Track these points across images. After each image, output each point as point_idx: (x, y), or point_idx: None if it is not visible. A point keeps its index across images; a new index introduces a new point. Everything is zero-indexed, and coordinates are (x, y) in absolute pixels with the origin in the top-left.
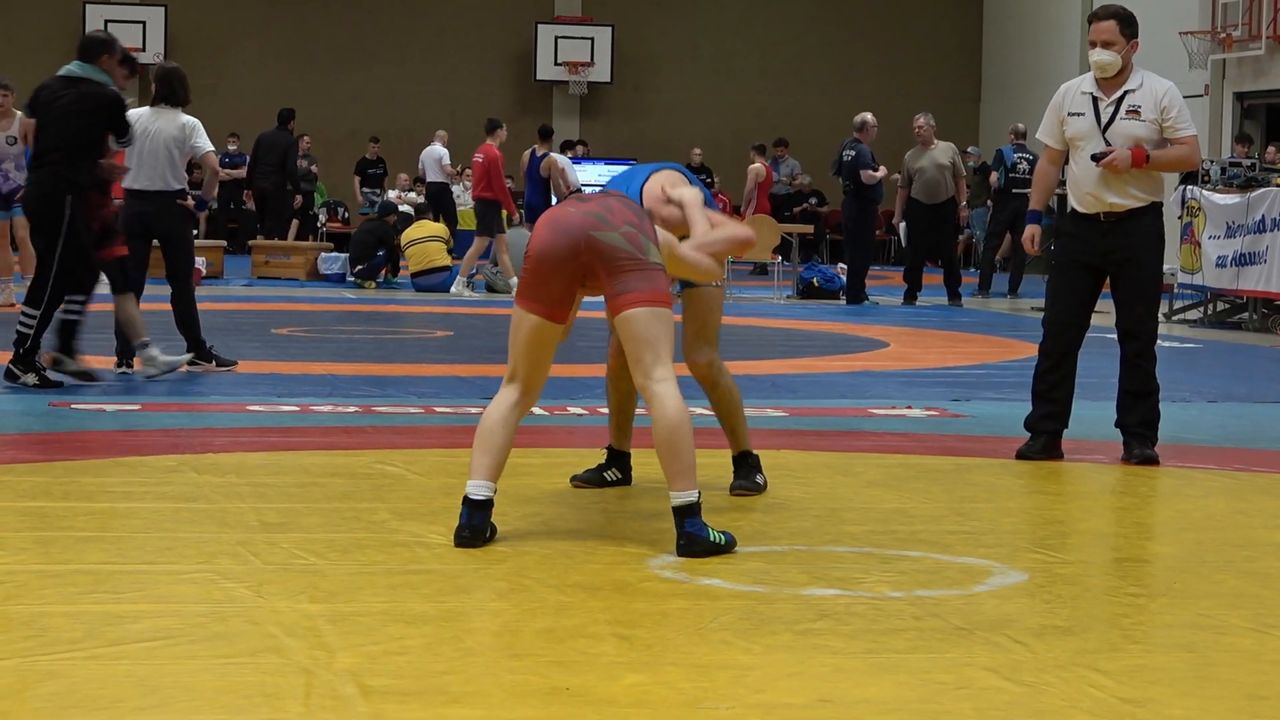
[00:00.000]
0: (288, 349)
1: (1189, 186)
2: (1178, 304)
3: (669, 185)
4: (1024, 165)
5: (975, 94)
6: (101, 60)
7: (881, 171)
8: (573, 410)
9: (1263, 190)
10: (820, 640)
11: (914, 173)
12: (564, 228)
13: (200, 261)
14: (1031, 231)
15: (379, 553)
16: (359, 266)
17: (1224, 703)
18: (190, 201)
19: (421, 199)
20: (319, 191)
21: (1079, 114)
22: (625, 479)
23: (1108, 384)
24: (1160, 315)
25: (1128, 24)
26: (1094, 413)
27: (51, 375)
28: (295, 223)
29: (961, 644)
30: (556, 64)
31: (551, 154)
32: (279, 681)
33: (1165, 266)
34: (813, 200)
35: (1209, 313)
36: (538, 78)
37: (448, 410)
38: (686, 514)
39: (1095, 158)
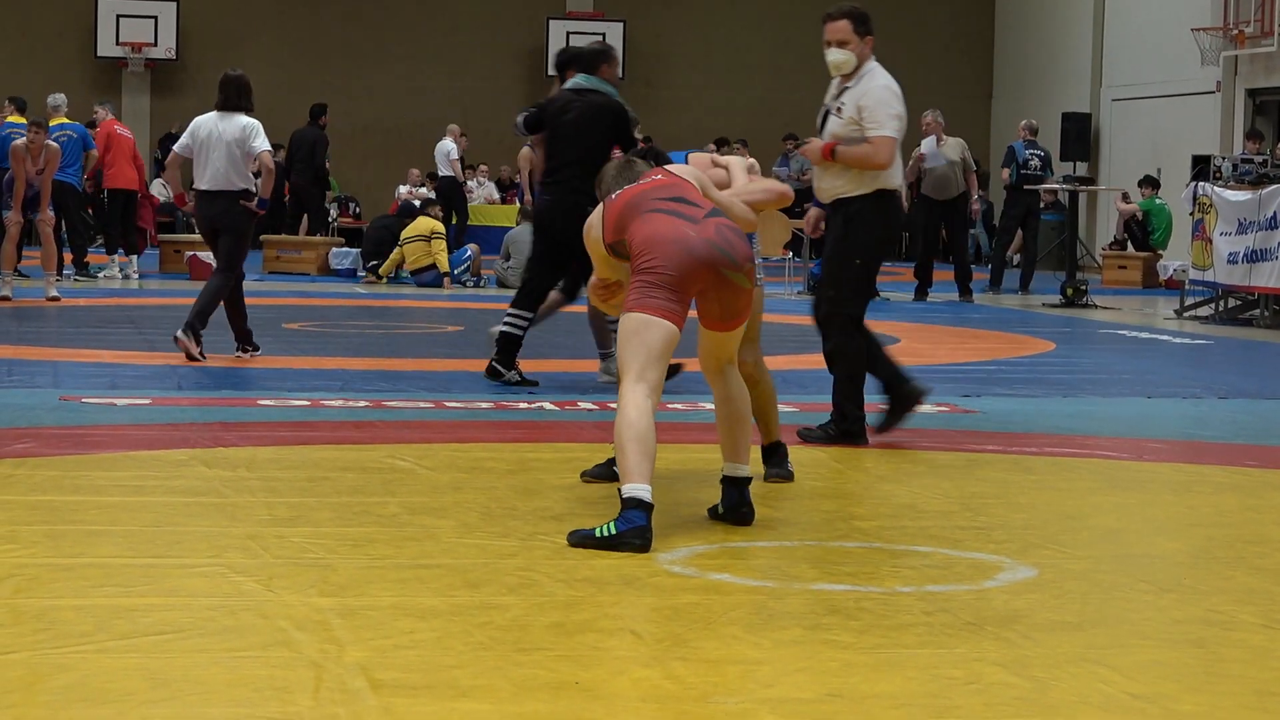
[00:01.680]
0: (299, 344)
1: (1201, 183)
2: (1189, 300)
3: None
4: (1035, 161)
5: (987, 89)
6: (602, 70)
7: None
8: (583, 405)
9: (1274, 187)
10: (830, 635)
11: (925, 169)
12: (699, 255)
13: (210, 256)
14: (815, 215)
15: (389, 547)
16: (372, 262)
17: (1234, 699)
18: (253, 202)
19: (432, 194)
20: (331, 186)
21: (823, 108)
22: None
23: (1120, 380)
24: (1172, 311)
25: (861, 22)
26: (1107, 409)
27: (519, 376)
28: (304, 217)
29: (971, 639)
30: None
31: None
32: (289, 675)
33: (1176, 262)
34: None
35: (1220, 309)
36: (549, 73)
37: (458, 405)
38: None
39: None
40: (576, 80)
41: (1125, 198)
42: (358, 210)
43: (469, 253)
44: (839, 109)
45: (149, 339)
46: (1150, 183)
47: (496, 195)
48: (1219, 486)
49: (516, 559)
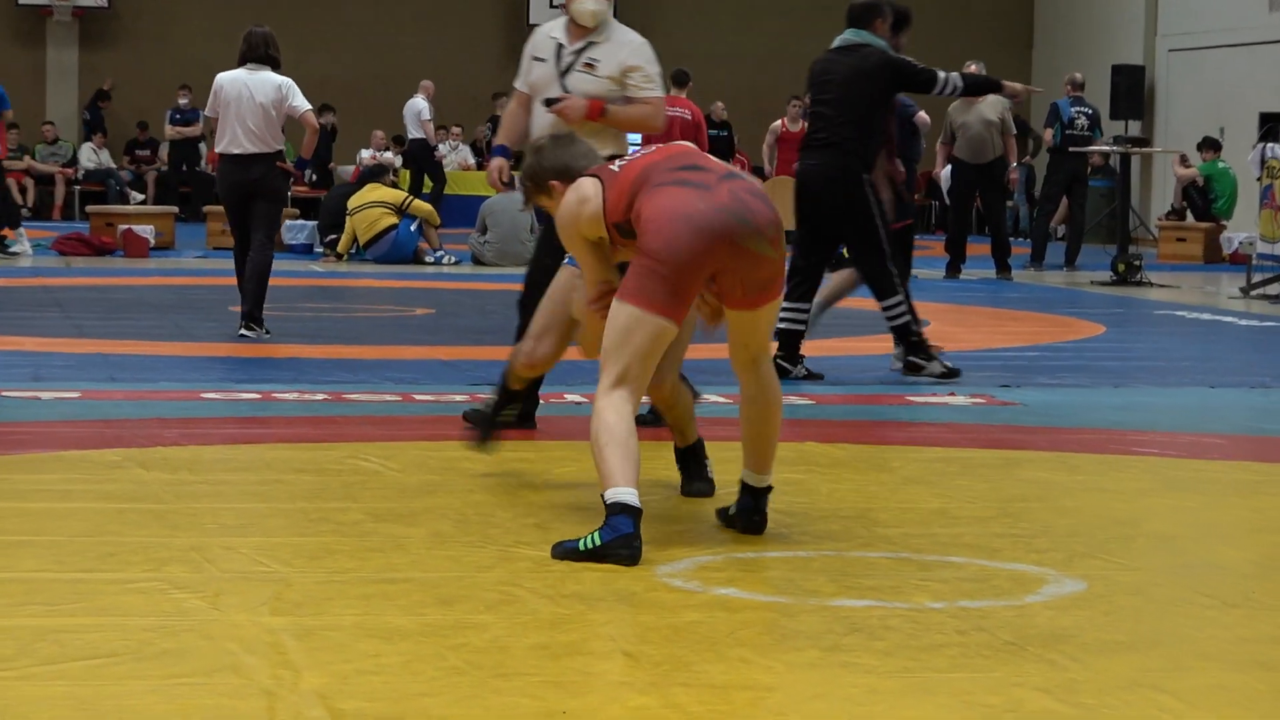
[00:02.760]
0: None
1: (1270, 144)
2: (1256, 277)
3: None
4: (1082, 121)
5: (1027, 38)
6: (875, 25)
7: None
8: (570, 398)
9: None
10: (851, 657)
11: (958, 128)
12: (708, 229)
13: (148, 230)
14: (498, 164)
15: (351, 559)
16: (331, 237)
17: None
18: (289, 164)
19: (398, 159)
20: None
21: (541, 59)
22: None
23: (1178, 368)
24: (1237, 289)
25: None
26: (1162, 399)
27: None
28: None
29: (1011, 662)
30: (552, 6)
31: None
32: (237, 705)
33: (1242, 234)
34: None
35: None
36: (531, 21)
37: (429, 398)
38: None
39: (548, 103)
40: (845, 35)
41: (1184, 161)
42: (314, 177)
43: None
44: (588, 64)
45: (78, 324)
46: (1212, 144)
47: (472, 160)
48: None
49: (495, 572)
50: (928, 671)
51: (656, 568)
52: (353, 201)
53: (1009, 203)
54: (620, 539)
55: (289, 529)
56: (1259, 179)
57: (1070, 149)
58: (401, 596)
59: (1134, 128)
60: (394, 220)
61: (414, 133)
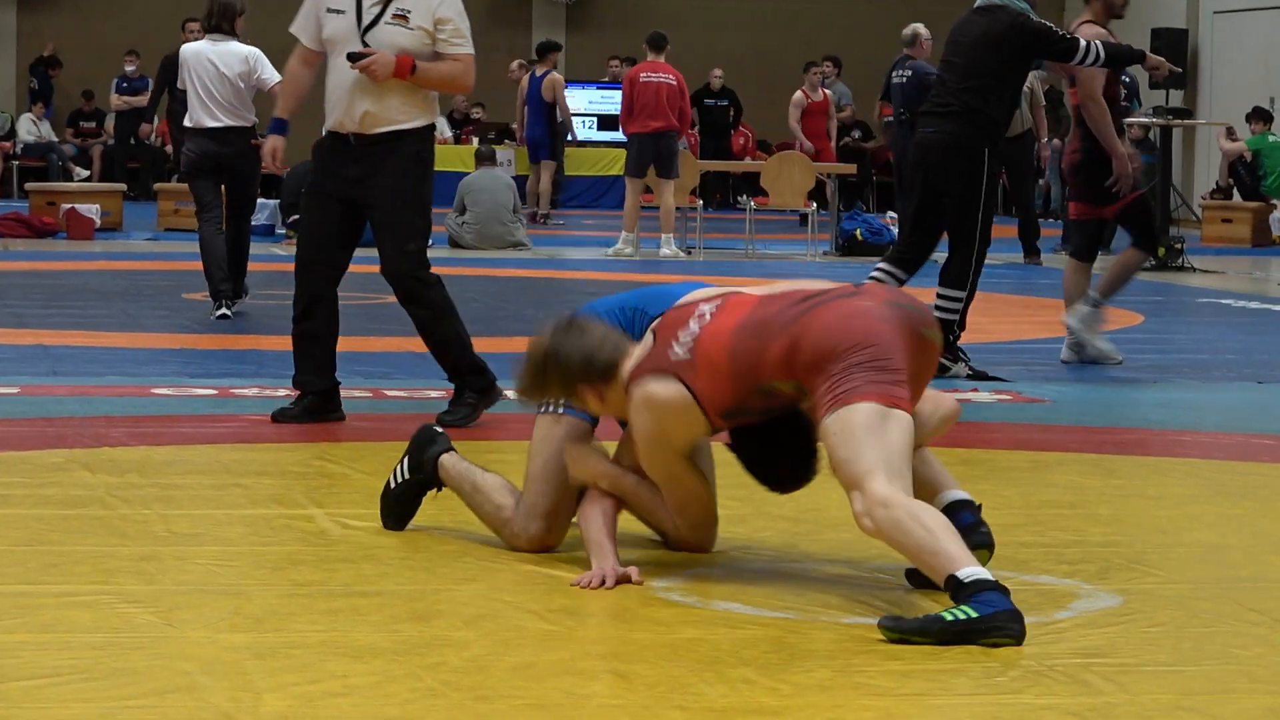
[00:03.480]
0: (202, 318)
1: None
2: None
3: None
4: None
5: (1059, 1)
6: None
7: None
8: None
9: None
10: (864, 679)
11: None
12: (897, 322)
13: (93, 209)
14: (273, 144)
15: (317, 570)
16: (293, 217)
17: None
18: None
19: None
20: None
21: (338, 11)
22: None
23: (1223, 361)
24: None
25: None
26: (1206, 396)
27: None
28: None
29: (1038, 684)
30: None
31: (554, 73)
32: None
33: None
34: (855, 134)
35: None
36: None
37: (401, 394)
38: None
39: (352, 57)
40: None
41: (1230, 134)
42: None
43: None
44: (400, 15)
45: (17, 314)
46: (1262, 116)
47: (449, 133)
48: None
49: (476, 585)
50: (947, 695)
51: (652, 581)
52: None
53: (1039, 181)
54: (1004, 613)
55: (248, 537)
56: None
57: None
58: (372, 611)
59: (1175, 98)
60: None
61: None
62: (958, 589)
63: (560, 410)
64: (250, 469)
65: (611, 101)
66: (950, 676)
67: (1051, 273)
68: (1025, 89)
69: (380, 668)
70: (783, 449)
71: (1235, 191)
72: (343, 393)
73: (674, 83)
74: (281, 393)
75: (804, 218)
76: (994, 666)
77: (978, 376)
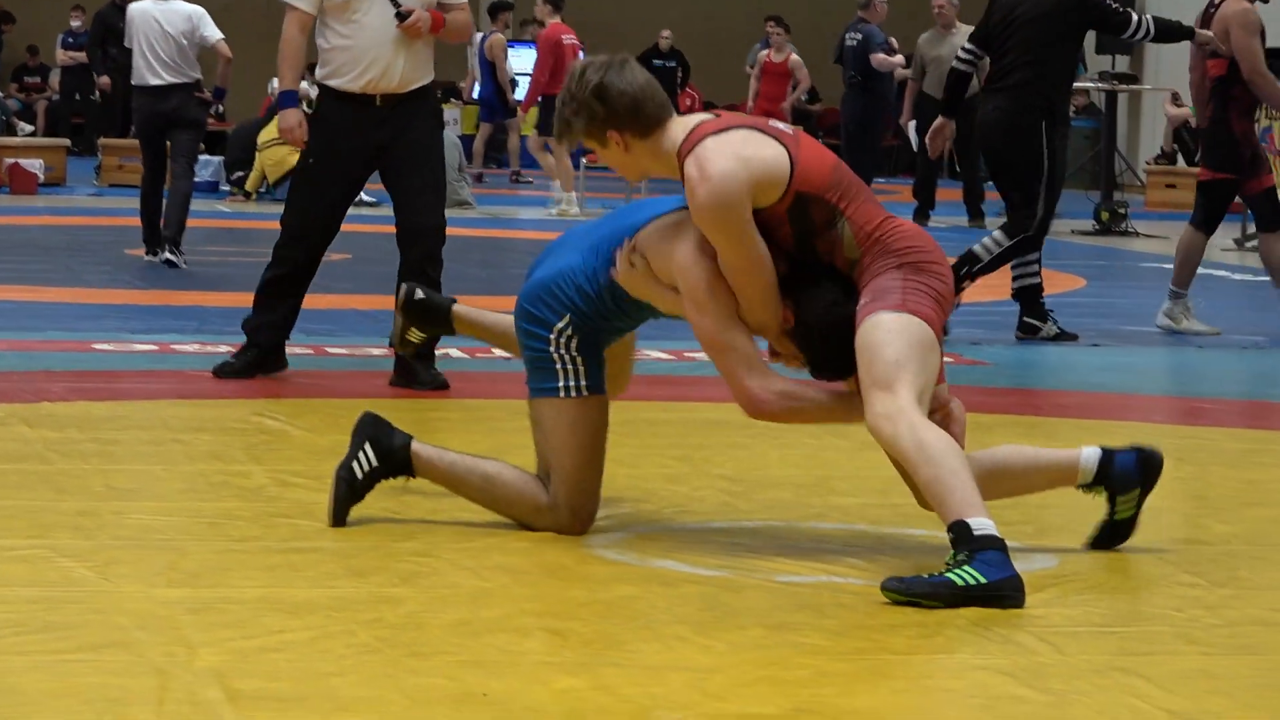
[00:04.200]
0: (145, 274)
1: None
2: (1251, 228)
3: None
4: None
5: None
6: None
7: (898, 59)
8: (498, 354)
9: None
10: (799, 637)
11: (929, 62)
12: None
13: (36, 164)
14: (296, 118)
15: (254, 526)
16: (238, 174)
17: None
18: (207, 93)
19: (314, 89)
20: None
21: None
22: None
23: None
24: (1232, 241)
25: None
26: (1147, 360)
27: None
28: None
29: (974, 643)
30: None
31: (496, 34)
32: (127, 684)
33: None
34: (802, 97)
35: None
36: None
37: (342, 351)
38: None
39: (401, 16)
40: None
41: (1176, 99)
42: (221, 110)
43: None
44: None
45: None
46: None
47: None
48: None
49: (413, 541)
50: (883, 653)
51: (587, 538)
52: (262, 136)
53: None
54: (1009, 581)
55: (186, 493)
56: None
57: None
58: (309, 567)
59: (1122, 62)
60: None
61: None
62: (964, 539)
63: (584, 394)
64: (189, 425)
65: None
66: (885, 635)
67: None
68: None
69: (316, 623)
70: (842, 332)
71: (1180, 157)
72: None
73: (578, 43)
74: (223, 348)
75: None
76: (929, 626)
77: (1064, 336)
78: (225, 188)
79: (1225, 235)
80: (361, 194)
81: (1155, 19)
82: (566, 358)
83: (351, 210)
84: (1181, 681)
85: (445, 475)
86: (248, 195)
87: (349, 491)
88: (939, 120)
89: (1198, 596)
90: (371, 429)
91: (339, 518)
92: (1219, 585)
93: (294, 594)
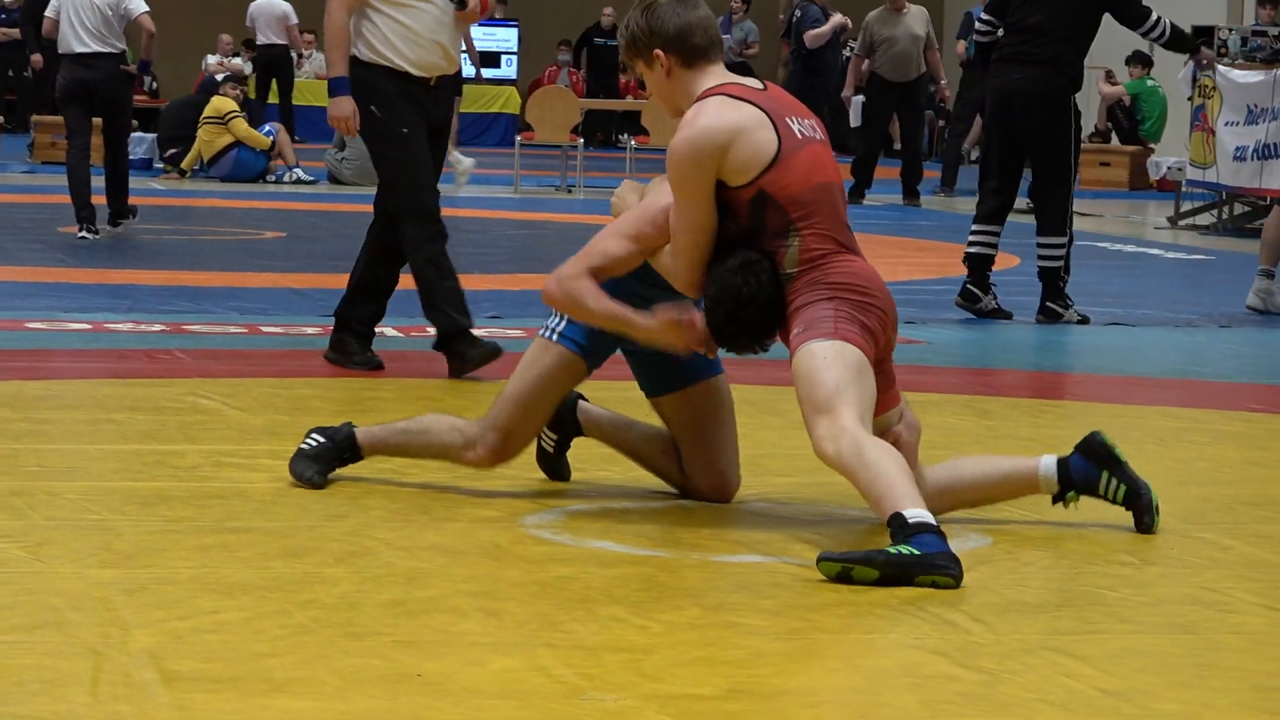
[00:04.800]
0: (77, 252)
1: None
2: (1185, 205)
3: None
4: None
5: None
6: None
7: (825, 28)
8: (432, 331)
9: None
10: (735, 617)
11: (879, 42)
12: (891, 307)
13: None
14: (348, 106)
15: (188, 507)
16: (171, 151)
17: (1227, 695)
18: (133, 66)
19: (247, 67)
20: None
21: None
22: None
23: (1099, 304)
24: (1165, 219)
25: None
26: (1081, 339)
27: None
28: None
29: (907, 622)
30: None
31: None
32: (60, 665)
33: (1171, 159)
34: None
35: (1224, 217)
36: None
37: (277, 330)
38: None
39: (461, 2)
40: None
41: (1109, 78)
42: (154, 85)
43: (271, 135)
44: None
45: None
46: (1141, 60)
47: None
48: (1217, 436)
49: (347, 521)
50: (817, 633)
51: (523, 518)
52: (204, 114)
53: (939, 122)
54: (944, 554)
55: (120, 473)
56: (1190, 99)
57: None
58: (243, 548)
59: None
60: (231, 136)
61: (267, 37)
62: (900, 527)
63: (554, 338)
64: (123, 404)
65: (494, 39)
66: (819, 615)
67: (929, 214)
68: (923, 32)
69: (250, 604)
70: (748, 304)
71: (1114, 135)
72: (215, 328)
73: None
74: (156, 327)
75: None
76: (863, 605)
77: (1083, 320)
78: (159, 165)
79: (1159, 214)
80: (299, 172)
81: (1172, 26)
82: None
83: (287, 188)
84: (1114, 660)
85: (386, 439)
86: (182, 173)
87: (301, 458)
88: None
89: (1129, 575)
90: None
91: (313, 481)
92: (1151, 564)
93: (228, 574)
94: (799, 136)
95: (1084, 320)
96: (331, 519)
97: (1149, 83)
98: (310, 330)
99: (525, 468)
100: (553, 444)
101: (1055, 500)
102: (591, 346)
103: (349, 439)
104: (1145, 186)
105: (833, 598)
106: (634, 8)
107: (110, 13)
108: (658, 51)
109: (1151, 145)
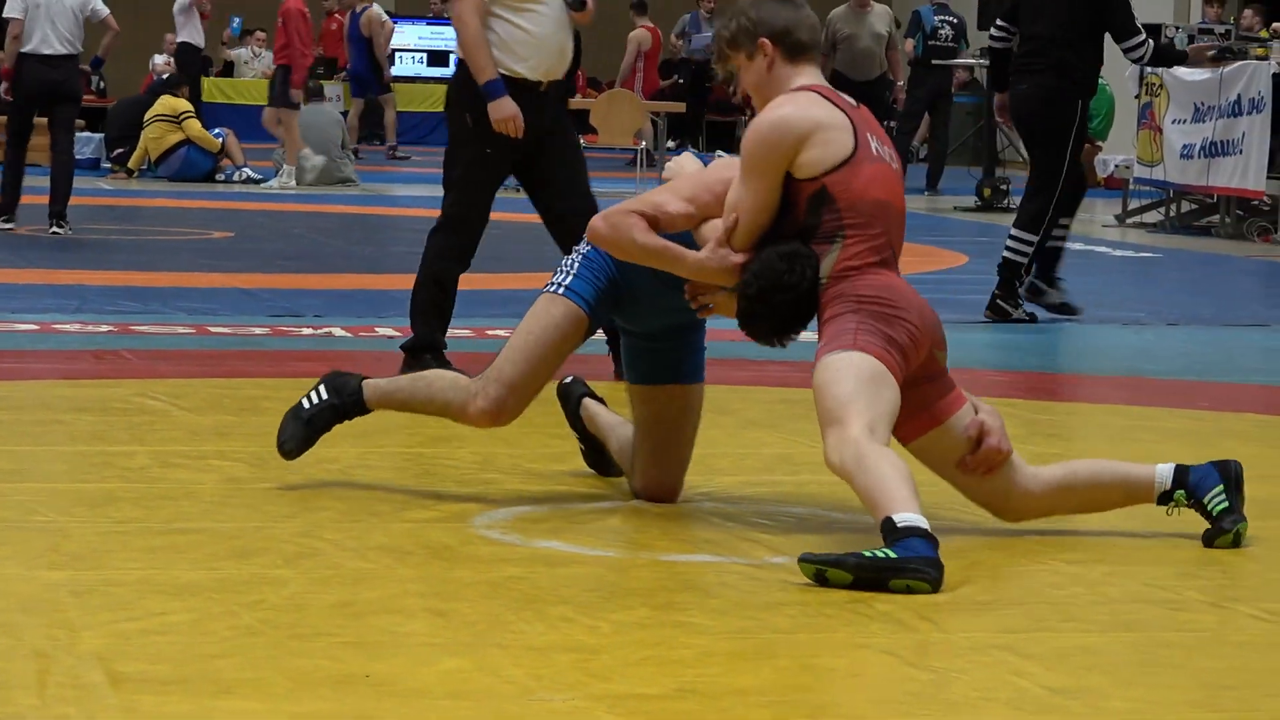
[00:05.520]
0: (25, 252)
1: None
2: (1132, 203)
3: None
4: (946, 31)
5: None
6: None
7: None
8: (381, 331)
9: (1239, 64)
10: (684, 616)
11: (841, 40)
12: (929, 322)
13: None
14: (514, 109)
15: (136, 508)
16: (118, 151)
17: (1176, 692)
18: (86, 66)
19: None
20: None
21: None
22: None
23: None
24: (1112, 217)
25: None
26: (1028, 337)
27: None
28: None
29: (855, 622)
30: None
31: (374, 7)
32: (7, 667)
33: (1118, 157)
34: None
35: (1171, 214)
36: None
37: (225, 330)
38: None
39: (583, 3)
40: None
41: None
42: (102, 85)
43: (220, 137)
44: None
45: None
46: None
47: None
48: (1165, 433)
49: (295, 522)
50: (766, 632)
51: (472, 519)
52: (147, 114)
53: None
54: (923, 559)
55: (68, 474)
56: (1137, 96)
57: (933, 62)
58: (191, 549)
59: None
60: (182, 135)
61: (182, 34)
62: (889, 531)
63: (561, 291)
64: (71, 405)
65: (441, 37)
66: (768, 614)
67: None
68: (885, 31)
69: (198, 605)
70: (786, 290)
71: None
72: (163, 329)
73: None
74: (104, 328)
75: (634, 157)
76: (812, 605)
77: (1031, 319)
78: (106, 165)
79: (1107, 211)
80: (248, 171)
81: (1157, 47)
82: (570, 261)
83: (226, 188)
84: (1061, 659)
85: (393, 393)
86: (130, 173)
87: (291, 423)
88: (997, 98)
89: (1077, 574)
90: (328, 376)
91: (287, 447)
92: (1098, 563)
93: (177, 575)
94: (874, 153)
95: (1031, 319)
96: (280, 520)
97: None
98: (258, 330)
99: (477, 468)
100: (584, 451)
101: (1160, 501)
102: (596, 304)
103: (356, 394)
104: (1093, 184)
105: (781, 597)
106: (736, 8)
107: (79, 14)
108: (764, 40)
109: (1099, 143)
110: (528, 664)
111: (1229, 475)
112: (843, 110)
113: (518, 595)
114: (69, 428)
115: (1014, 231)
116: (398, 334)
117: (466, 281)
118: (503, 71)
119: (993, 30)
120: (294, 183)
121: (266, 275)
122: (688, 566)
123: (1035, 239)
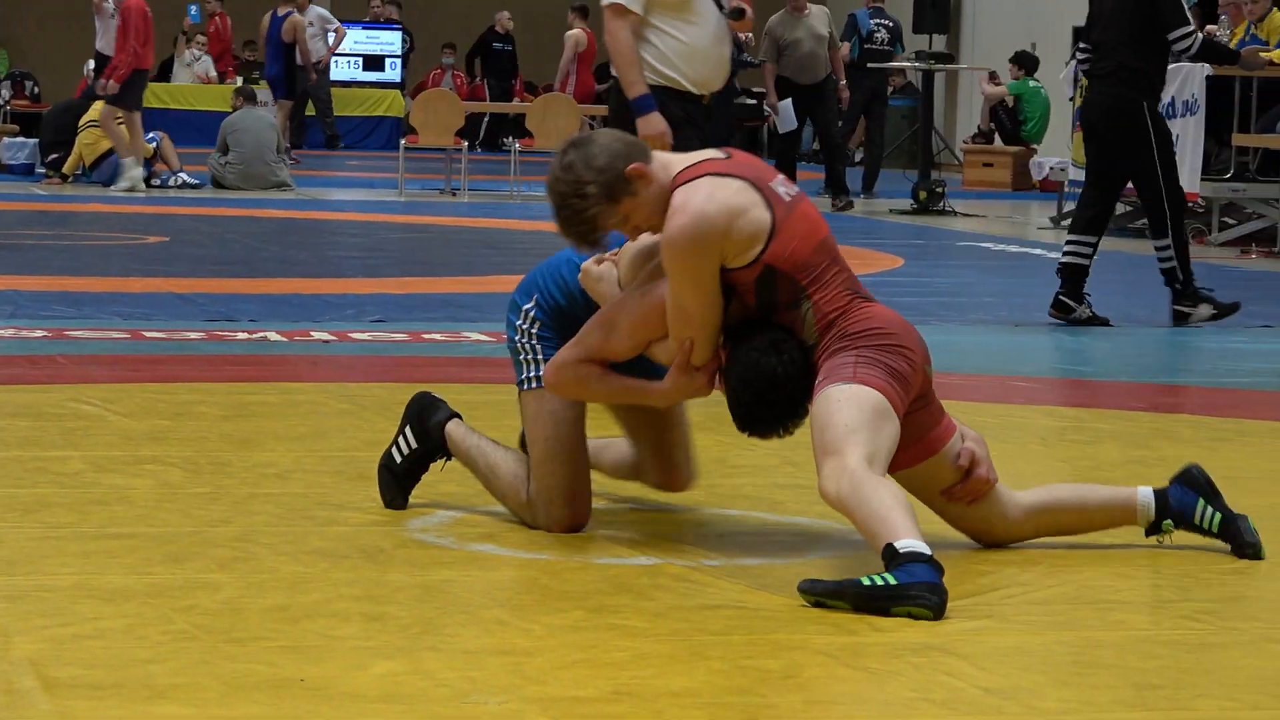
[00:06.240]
0: None
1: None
2: (1067, 206)
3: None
4: (882, 34)
5: None
6: None
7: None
8: (316, 336)
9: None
10: (618, 619)
11: (785, 45)
12: (923, 347)
13: None
14: (663, 125)
15: (70, 513)
16: (53, 156)
17: (1108, 692)
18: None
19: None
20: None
21: None
22: None
23: (982, 304)
24: (1048, 219)
25: None
26: (963, 339)
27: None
28: None
29: (791, 623)
30: None
31: (295, 13)
32: None
33: (1054, 159)
34: None
35: None
36: None
37: (160, 335)
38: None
39: (739, 11)
40: None
41: (993, 78)
42: (36, 90)
43: (154, 141)
44: None
45: None
46: (1024, 61)
47: (213, 72)
48: (1098, 434)
49: (230, 526)
50: (701, 634)
51: (407, 522)
52: (83, 120)
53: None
54: (925, 584)
55: (1, 479)
56: (1072, 99)
57: (869, 65)
58: (126, 554)
59: (939, 42)
60: (109, 145)
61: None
62: (890, 558)
63: (540, 385)
64: (4, 410)
65: (377, 41)
66: (702, 616)
67: (855, 220)
68: (826, 32)
69: (132, 610)
70: (782, 386)
71: (996, 136)
72: (97, 334)
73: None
74: (39, 333)
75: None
76: (747, 607)
77: (1222, 313)
78: (40, 170)
79: (1042, 214)
80: (184, 176)
81: (1204, 41)
82: (528, 347)
83: (173, 193)
84: (996, 659)
85: (466, 461)
86: (64, 178)
87: (387, 478)
88: None
89: (1012, 575)
90: (413, 408)
91: (391, 504)
92: (1033, 564)
93: (110, 581)
94: (785, 200)
95: (1095, 320)
96: (214, 524)
97: (1031, 83)
98: (193, 335)
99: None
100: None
101: (1149, 532)
102: None
103: (440, 446)
104: (1028, 187)
105: (716, 599)
106: (565, 171)
107: None
108: (634, 168)
109: (1034, 146)
110: (462, 667)
111: (1199, 484)
112: (735, 175)
113: (451, 598)
114: (2, 433)
115: (1155, 243)
116: (332, 338)
117: (400, 286)
118: (663, 83)
119: (1078, 55)
120: (143, 185)
121: (201, 280)
122: (622, 569)
123: (1169, 241)
